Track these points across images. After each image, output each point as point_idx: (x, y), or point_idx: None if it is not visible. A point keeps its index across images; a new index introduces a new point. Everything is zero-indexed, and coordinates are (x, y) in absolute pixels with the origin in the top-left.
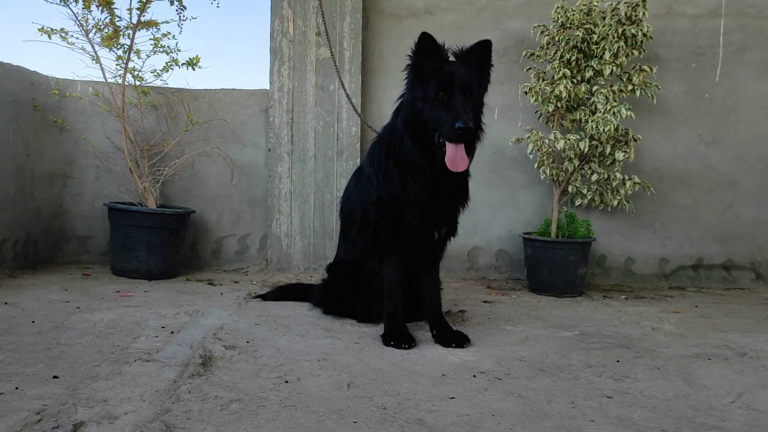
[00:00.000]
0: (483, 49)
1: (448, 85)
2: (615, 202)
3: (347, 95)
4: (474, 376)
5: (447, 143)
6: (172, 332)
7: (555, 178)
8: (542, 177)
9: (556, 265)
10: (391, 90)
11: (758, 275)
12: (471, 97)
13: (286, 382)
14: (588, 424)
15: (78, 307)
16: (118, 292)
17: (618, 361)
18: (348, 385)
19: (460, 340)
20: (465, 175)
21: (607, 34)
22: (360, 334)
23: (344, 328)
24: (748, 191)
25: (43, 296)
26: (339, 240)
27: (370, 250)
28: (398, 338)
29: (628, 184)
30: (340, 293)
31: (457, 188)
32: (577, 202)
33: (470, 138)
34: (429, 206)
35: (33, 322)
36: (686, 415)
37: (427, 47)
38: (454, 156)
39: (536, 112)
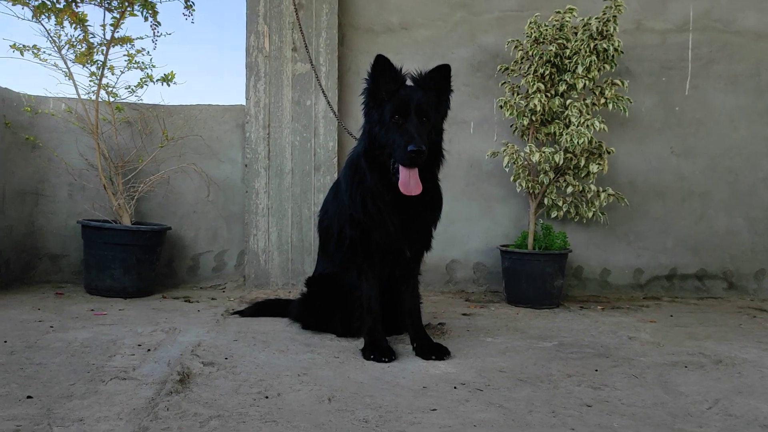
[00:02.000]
0: (442, 73)
1: (403, 109)
2: (590, 214)
3: (324, 93)
4: (455, 387)
5: (401, 167)
6: (149, 350)
7: (531, 191)
8: (518, 190)
9: (533, 277)
10: None
11: (730, 284)
12: (427, 122)
13: (267, 397)
14: None
15: (52, 327)
16: (92, 310)
17: (596, 371)
18: (329, 399)
19: (440, 353)
20: (435, 193)
21: (580, 49)
22: (340, 349)
23: (324, 343)
24: (719, 201)
25: (15, 316)
26: (318, 254)
27: (348, 264)
28: (378, 352)
29: (602, 196)
30: (320, 308)
31: (426, 207)
32: (553, 215)
33: (425, 161)
34: (395, 227)
35: (5, 342)
36: (665, 422)
37: (383, 70)
38: (407, 180)
39: (511, 126)
